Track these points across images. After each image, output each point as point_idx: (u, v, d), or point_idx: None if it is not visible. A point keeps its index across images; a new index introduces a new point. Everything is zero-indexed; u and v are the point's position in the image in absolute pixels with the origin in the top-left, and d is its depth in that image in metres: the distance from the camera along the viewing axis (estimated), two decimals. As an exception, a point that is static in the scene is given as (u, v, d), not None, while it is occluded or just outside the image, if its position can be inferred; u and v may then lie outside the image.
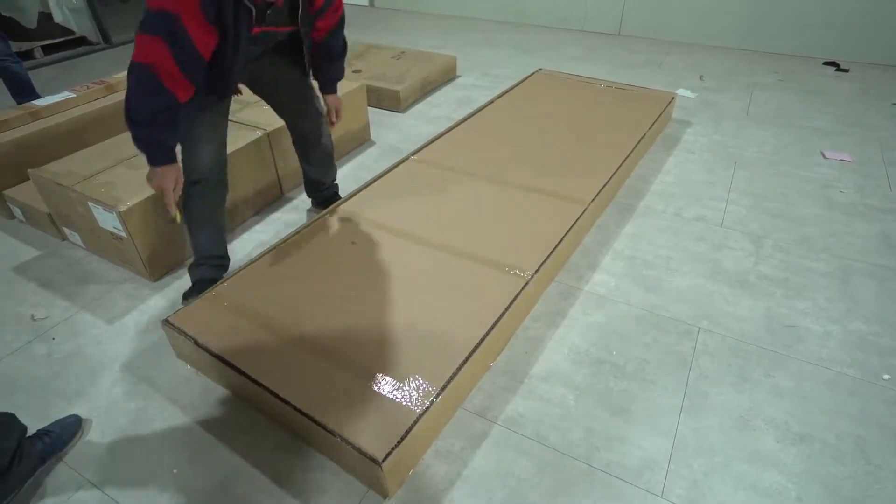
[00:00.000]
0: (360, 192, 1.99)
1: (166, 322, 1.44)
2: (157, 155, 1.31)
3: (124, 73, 2.56)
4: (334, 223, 1.85)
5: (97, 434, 1.31)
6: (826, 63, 3.46)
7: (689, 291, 1.69)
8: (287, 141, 2.10)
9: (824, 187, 2.20)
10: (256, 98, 2.26)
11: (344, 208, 1.92)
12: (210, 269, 1.66)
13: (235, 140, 1.96)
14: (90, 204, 1.68)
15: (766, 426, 1.29)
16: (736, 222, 2.00)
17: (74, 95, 2.32)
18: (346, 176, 2.35)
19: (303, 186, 2.09)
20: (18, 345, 1.56)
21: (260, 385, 1.25)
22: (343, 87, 2.41)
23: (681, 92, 3.00)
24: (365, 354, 1.36)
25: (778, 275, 1.75)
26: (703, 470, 1.20)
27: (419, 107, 2.99)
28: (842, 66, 3.40)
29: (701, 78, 3.25)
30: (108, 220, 1.68)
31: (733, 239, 1.91)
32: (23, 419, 1.34)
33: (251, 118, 2.13)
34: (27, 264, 1.87)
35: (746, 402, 1.35)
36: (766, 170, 2.33)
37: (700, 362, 1.46)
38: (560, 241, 1.70)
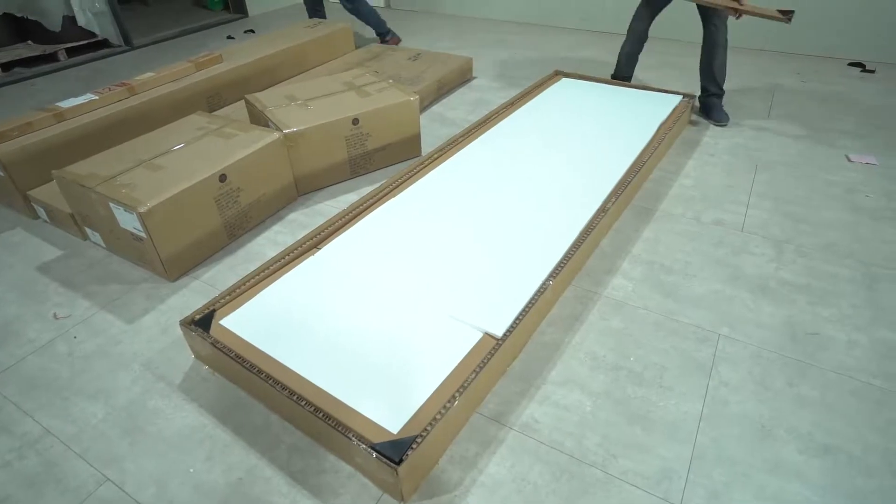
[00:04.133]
0: (382, 199, 2.00)
1: (184, 322, 1.45)
2: None
3: (146, 75, 2.61)
4: (355, 228, 1.86)
5: (116, 432, 1.33)
6: (851, 64, 3.38)
7: (708, 297, 1.66)
8: (303, 143, 2.11)
9: (849, 191, 2.15)
10: (273, 105, 2.28)
11: (365, 214, 1.92)
12: None
13: (250, 142, 1.98)
14: (111, 205, 1.70)
15: (788, 436, 1.26)
16: (757, 226, 1.96)
17: (97, 97, 2.36)
18: (362, 181, 2.35)
19: (318, 189, 2.09)
20: (41, 343, 1.59)
21: (276, 385, 1.26)
22: (394, 95, 2.38)
23: (700, 93, 2.95)
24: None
25: (800, 281, 1.71)
26: (724, 480, 1.18)
27: (435, 108, 2.99)
28: (868, 67, 3.32)
29: (721, 79, 3.20)
30: (128, 221, 1.70)
31: (754, 244, 1.88)
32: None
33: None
34: (50, 264, 1.91)
35: (768, 412, 1.32)
36: (789, 173, 2.28)
37: (720, 370, 1.43)
38: (577, 245, 1.68)
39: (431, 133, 2.69)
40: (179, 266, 1.81)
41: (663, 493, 1.16)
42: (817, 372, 1.42)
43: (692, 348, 1.49)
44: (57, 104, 2.30)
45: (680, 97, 2.66)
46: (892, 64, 3.37)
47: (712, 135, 2.59)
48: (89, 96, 2.37)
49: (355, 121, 2.20)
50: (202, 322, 1.46)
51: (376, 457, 1.09)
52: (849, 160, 2.36)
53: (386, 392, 1.26)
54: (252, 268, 1.75)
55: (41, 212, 2.11)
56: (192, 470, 1.24)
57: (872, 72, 3.28)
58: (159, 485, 1.21)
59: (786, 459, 1.21)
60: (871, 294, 1.65)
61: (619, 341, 1.52)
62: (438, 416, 1.17)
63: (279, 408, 1.33)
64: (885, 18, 3.28)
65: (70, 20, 3.78)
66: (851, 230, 1.93)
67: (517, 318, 1.42)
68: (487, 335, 1.40)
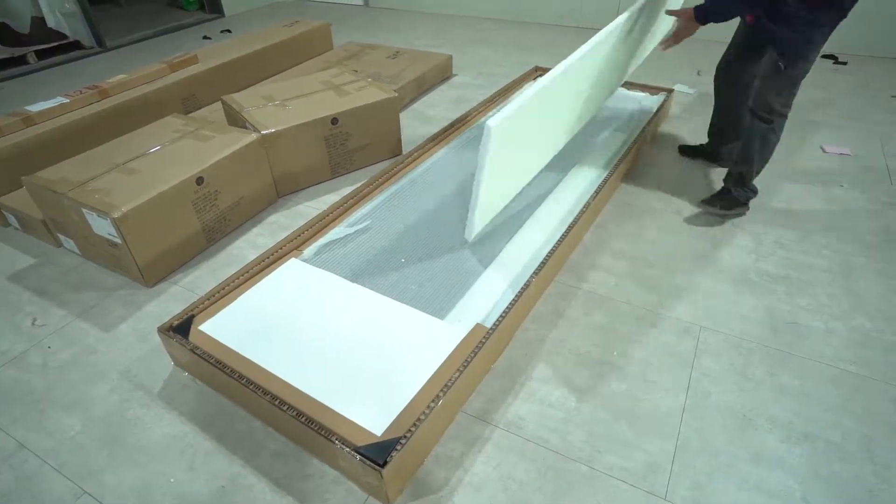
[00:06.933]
0: (363, 199, 1.98)
1: (162, 329, 1.42)
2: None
3: (118, 77, 2.55)
4: (329, 228, 1.84)
5: (94, 444, 1.29)
6: (824, 56, 3.44)
7: (689, 290, 1.67)
8: (282, 144, 2.08)
9: (824, 182, 2.19)
10: (251, 105, 2.24)
11: (345, 214, 1.90)
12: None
13: (227, 144, 1.94)
14: (84, 211, 1.66)
15: (769, 426, 1.28)
16: (736, 219, 1.98)
17: (67, 101, 2.31)
18: (343, 181, 2.33)
19: (298, 191, 2.07)
20: (14, 354, 1.54)
21: (258, 391, 1.24)
22: (374, 94, 2.31)
23: (678, 87, 2.98)
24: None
25: (779, 272, 1.74)
26: (707, 471, 1.19)
27: (415, 106, 2.98)
28: (840, 59, 3.38)
29: (698, 73, 3.23)
30: (102, 227, 1.66)
31: (733, 236, 1.90)
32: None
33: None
34: (22, 272, 1.86)
35: (749, 402, 1.33)
36: (765, 165, 2.31)
37: (702, 362, 1.44)
38: (559, 241, 1.68)
39: (412, 131, 2.67)
40: (157, 272, 1.77)
41: (649, 486, 1.16)
42: (797, 361, 1.44)
43: (674, 341, 1.50)
44: (26, 108, 2.24)
45: (664, 94, 2.68)
46: (864, 56, 3.43)
47: (691, 129, 2.62)
48: (60, 99, 2.31)
49: (334, 120, 2.17)
50: (181, 328, 1.43)
51: (360, 460, 1.08)
52: (823, 151, 2.40)
53: (369, 394, 1.25)
54: (232, 271, 1.72)
55: (12, 219, 2.05)
56: (173, 480, 1.21)
57: (845, 63, 3.34)
58: (140, 496, 1.18)
59: (767, 448, 1.23)
60: (848, 283, 1.68)
61: (602, 336, 1.52)
62: (423, 417, 1.16)
63: (261, 413, 1.31)
64: (856, 10, 3.32)
65: (39, 21, 3.68)
66: (827, 220, 1.96)
67: (501, 315, 1.41)
68: (471, 332, 1.39)
